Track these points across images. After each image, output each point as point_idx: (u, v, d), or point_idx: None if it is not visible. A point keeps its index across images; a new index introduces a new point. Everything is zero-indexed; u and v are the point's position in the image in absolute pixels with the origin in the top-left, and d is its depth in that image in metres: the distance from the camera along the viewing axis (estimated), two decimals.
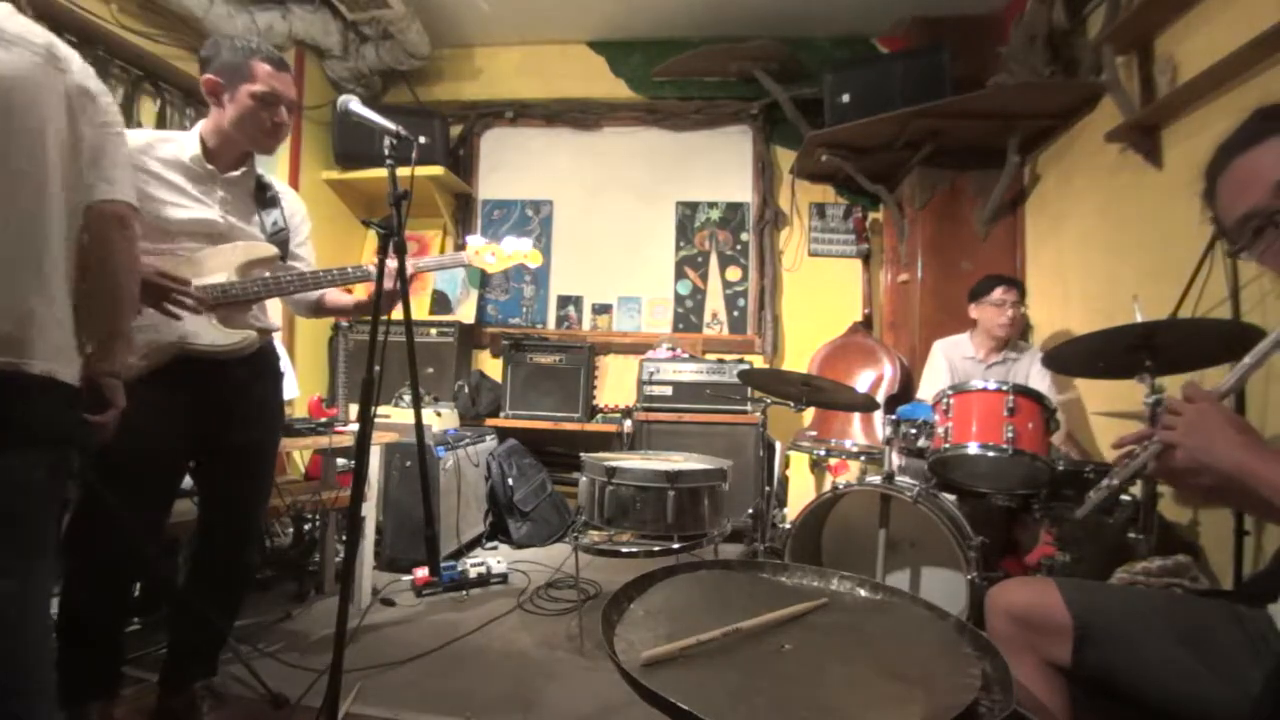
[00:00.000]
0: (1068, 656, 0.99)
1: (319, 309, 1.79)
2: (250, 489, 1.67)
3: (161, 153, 1.48)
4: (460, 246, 1.87)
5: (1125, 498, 1.95)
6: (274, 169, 3.54)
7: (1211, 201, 0.92)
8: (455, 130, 4.16)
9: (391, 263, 1.39)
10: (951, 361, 2.75)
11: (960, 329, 2.84)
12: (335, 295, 1.79)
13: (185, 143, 1.52)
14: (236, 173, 1.58)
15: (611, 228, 4.11)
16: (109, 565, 1.43)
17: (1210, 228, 0.94)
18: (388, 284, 1.40)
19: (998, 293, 2.62)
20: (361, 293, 1.78)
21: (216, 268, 1.51)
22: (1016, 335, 2.77)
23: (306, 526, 2.70)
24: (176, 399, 1.46)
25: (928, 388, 2.81)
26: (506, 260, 1.85)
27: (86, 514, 1.40)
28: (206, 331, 1.48)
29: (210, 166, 1.53)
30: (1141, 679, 0.95)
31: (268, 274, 1.57)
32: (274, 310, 1.74)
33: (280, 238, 1.64)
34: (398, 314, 1.39)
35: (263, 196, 1.65)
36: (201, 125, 1.54)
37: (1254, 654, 0.88)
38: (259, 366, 1.63)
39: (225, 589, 1.64)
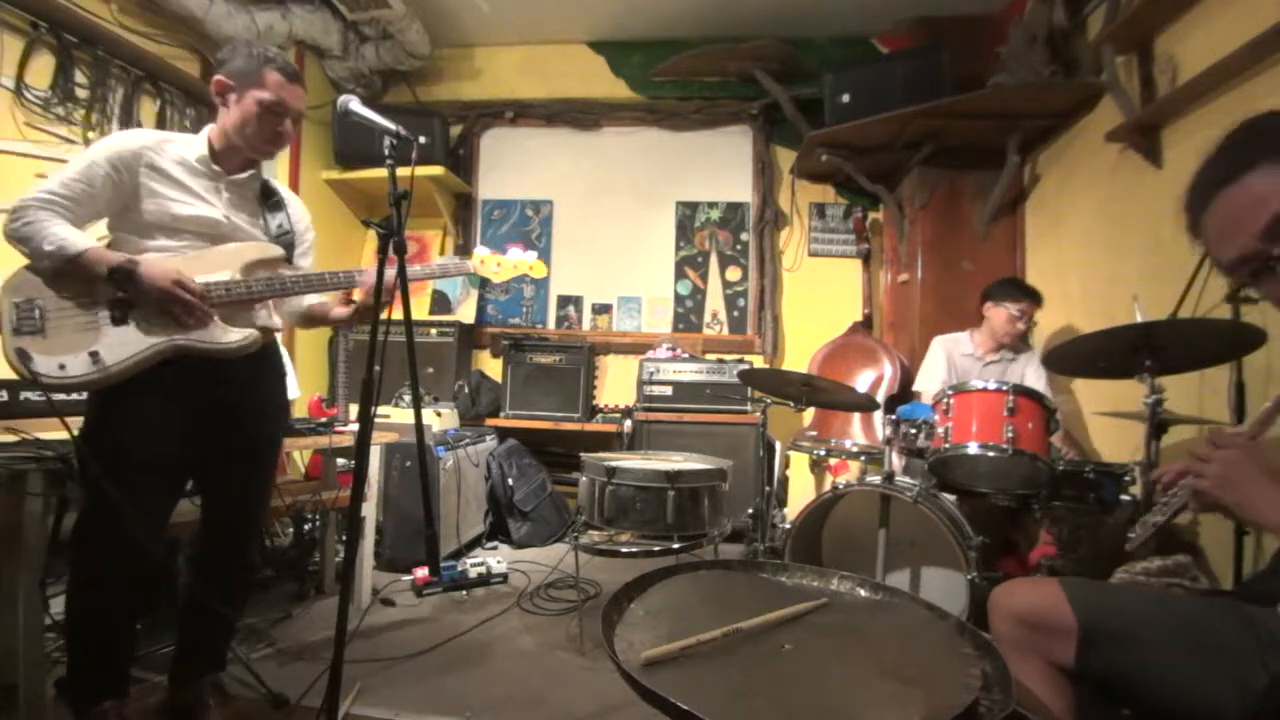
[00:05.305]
0: (1072, 657, 0.98)
1: (309, 319, 1.75)
2: (253, 488, 1.67)
3: (169, 151, 1.49)
4: (466, 254, 1.87)
5: (1125, 498, 1.96)
6: (274, 169, 3.55)
7: (1197, 235, 0.90)
8: (455, 130, 4.16)
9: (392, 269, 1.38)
10: (950, 357, 2.78)
11: (960, 329, 2.84)
12: (323, 307, 1.75)
13: (193, 144, 1.53)
14: (243, 175, 1.58)
15: (611, 228, 4.11)
16: (116, 566, 1.42)
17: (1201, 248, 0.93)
18: (388, 281, 1.39)
19: (1017, 307, 2.63)
20: (356, 296, 1.73)
21: (220, 265, 1.51)
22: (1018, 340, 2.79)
23: (306, 526, 2.70)
24: (179, 399, 1.47)
25: (924, 380, 2.85)
26: (512, 271, 1.87)
27: (92, 515, 1.40)
28: (210, 330, 1.47)
29: (216, 168, 1.54)
30: (1146, 679, 0.94)
31: (271, 274, 1.57)
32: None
33: (285, 240, 1.65)
34: (398, 314, 1.39)
35: (268, 200, 1.66)
36: (209, 129, 1.55)
37: (1260, 654, 0.88)
38: (262, 365, 1.63)
39: (229, 585, 1.64)
